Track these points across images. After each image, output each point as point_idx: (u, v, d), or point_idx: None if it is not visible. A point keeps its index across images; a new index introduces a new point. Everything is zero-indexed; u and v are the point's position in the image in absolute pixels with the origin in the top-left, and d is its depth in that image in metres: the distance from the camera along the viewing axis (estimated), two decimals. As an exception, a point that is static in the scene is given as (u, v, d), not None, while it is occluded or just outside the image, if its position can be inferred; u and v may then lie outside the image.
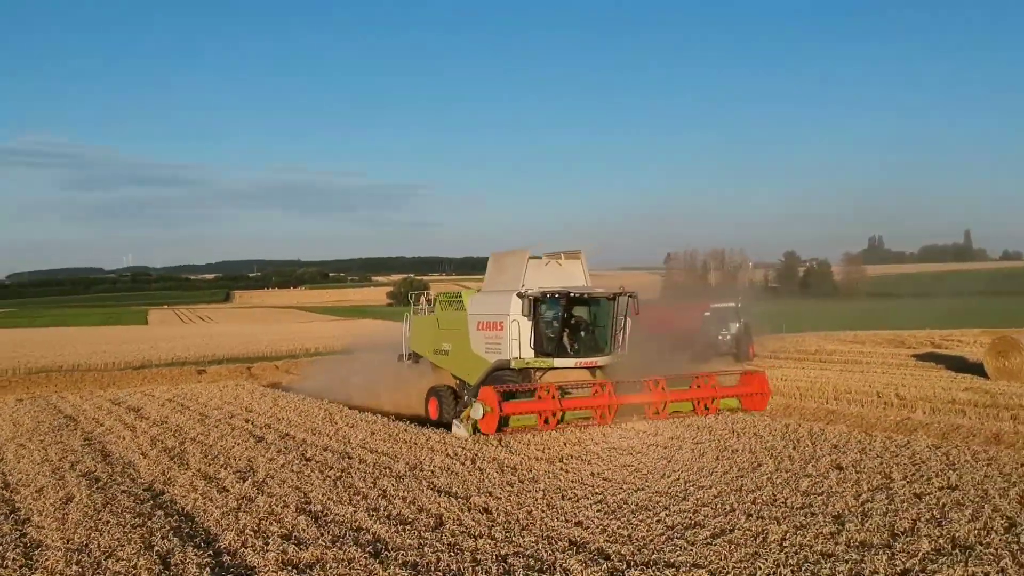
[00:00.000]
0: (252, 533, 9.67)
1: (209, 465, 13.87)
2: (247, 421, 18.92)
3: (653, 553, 8.72)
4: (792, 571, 7.95)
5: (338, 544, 9.18)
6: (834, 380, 23.31)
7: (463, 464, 13.43)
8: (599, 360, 18.45)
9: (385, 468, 13.30)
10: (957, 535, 8.88)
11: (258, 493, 11.69)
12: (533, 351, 17.98)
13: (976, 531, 9.04)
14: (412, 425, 17.41)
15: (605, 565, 8.29)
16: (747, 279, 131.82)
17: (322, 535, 9.56)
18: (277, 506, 10.94)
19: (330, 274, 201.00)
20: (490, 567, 8.35)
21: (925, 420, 17.58)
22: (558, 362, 18.06)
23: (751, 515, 9.95)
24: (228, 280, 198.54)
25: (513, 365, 18.04)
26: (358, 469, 13.27)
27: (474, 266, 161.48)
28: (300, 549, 8.99)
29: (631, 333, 19.40)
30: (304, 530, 9.80)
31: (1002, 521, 9.42)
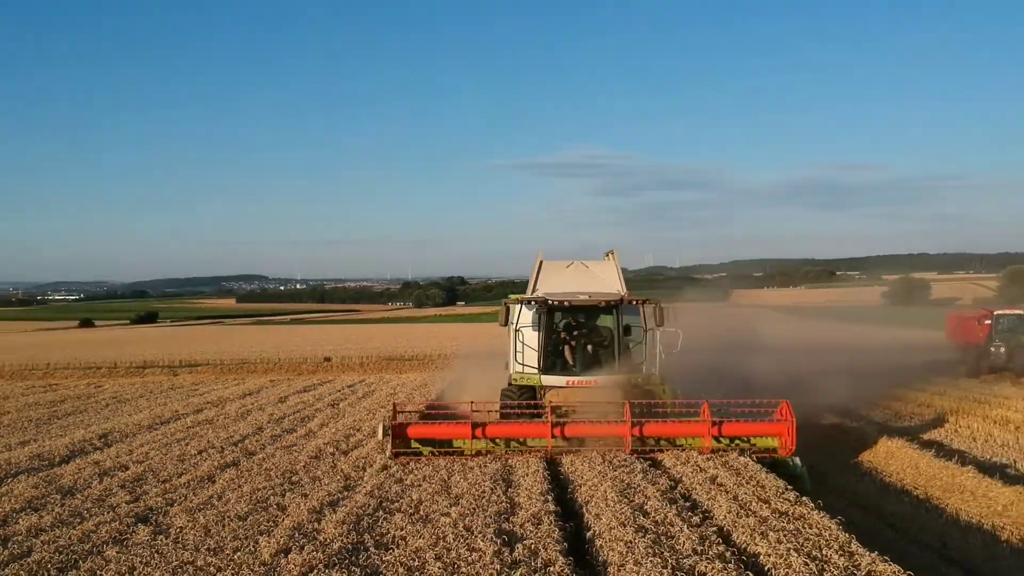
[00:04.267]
0: None
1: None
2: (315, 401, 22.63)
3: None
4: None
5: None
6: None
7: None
8: (598, 380, 15.96)
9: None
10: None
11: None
12: (525, 366, 16.46)
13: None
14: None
15: None
16: None
17: None
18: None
19: (837, 273, 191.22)
20: None
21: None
22: (546, 380, 16.17)
23: None
24: (731, 279, 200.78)
25: (512, 380, 16.83)
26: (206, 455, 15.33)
27: (1009, 263, 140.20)
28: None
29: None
30: None
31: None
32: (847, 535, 9.48)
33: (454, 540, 9.59)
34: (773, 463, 13.79)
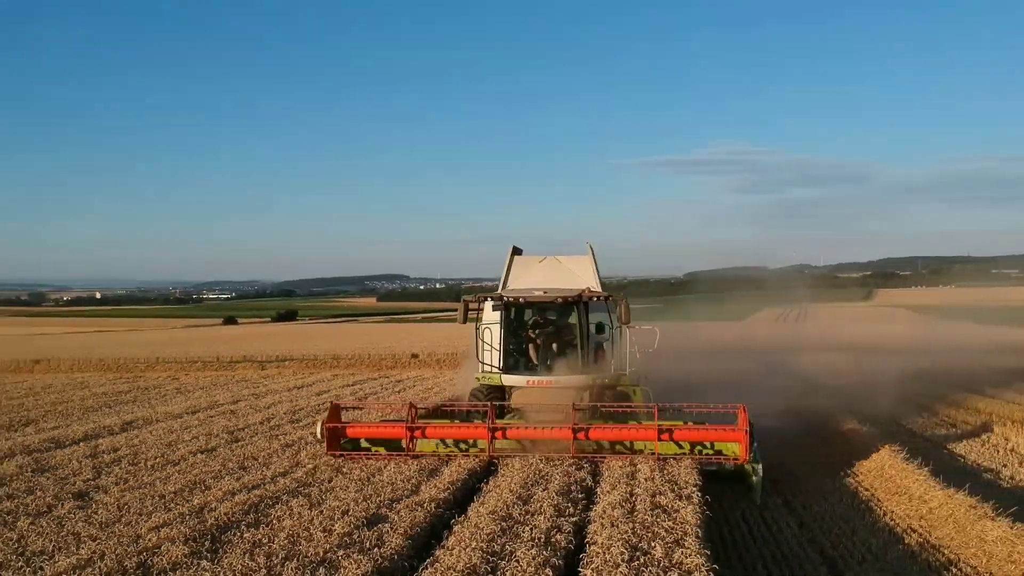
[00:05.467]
0: None
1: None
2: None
3: None
4: None
5: None
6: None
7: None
8: (559, 380, 15.78)
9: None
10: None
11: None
12: (489, 365, 16.43)
13: None
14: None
15: None
16: None
17: None
18: None
19: (993, 271, 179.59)
20: None
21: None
22: (507, 379, 16.14)
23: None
24: (877, 278, 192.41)
25: (477, 379, 16.90)
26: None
27: None
28: None
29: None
30: None
31: None
32: (695, 530, 9.61)
33: (320, 522, 10.28)
34: (731, 469, 13.62)
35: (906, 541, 10.97)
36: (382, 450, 14.73)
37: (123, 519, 10.80)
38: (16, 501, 11.95)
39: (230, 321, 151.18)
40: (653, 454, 13.62)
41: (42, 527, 10.50)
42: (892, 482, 13.63)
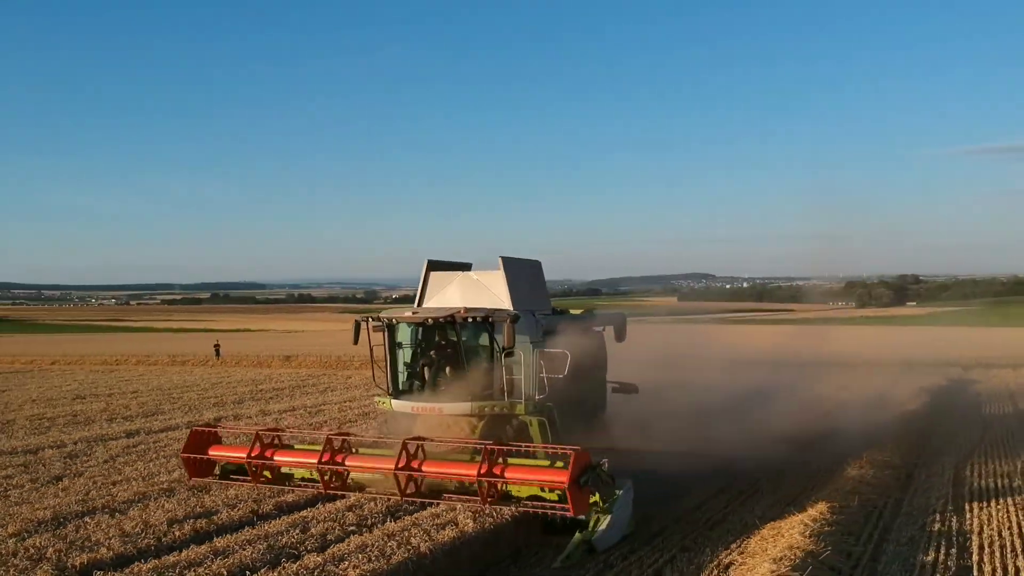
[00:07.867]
0: None
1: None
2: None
3: None
4: None
5: None
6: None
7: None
8: (445, 407, 14.80)
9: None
10: None
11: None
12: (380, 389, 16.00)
13: None
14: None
15: None
16: None
17: None
18: None
19: None
20: None
21: None
22: (396, 405, 15.45)
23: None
24: None
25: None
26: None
27: None
28: None
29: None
30: None
31: None
32: (403, 555, 10.40)
33: (160, 513, 12.23)
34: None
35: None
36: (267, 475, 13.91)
37: (44, 499, 13.39)
38: (16, 478, 15.06)
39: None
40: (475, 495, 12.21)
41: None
42: (795, 517, 12.93)
